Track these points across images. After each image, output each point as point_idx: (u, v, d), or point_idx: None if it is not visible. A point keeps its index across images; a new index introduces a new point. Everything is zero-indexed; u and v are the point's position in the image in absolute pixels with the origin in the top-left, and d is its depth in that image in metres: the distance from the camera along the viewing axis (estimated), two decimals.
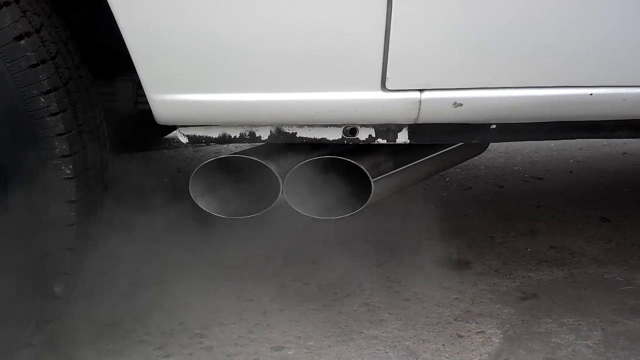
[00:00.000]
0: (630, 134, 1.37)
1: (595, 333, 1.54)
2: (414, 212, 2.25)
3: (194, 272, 1.78)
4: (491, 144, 2.20)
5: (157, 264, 1.81)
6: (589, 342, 1.51)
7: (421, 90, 1.19)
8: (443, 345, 1.50)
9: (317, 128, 1.26)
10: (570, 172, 2.68)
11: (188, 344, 1.50)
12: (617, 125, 1.34)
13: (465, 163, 2.62)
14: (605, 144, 2.99)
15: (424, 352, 1.47)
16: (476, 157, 2.57)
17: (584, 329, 1.56)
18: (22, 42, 1.09)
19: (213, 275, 1.78)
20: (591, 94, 1.22)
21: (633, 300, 1.68)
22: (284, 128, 1.26)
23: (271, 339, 1.52)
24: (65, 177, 1.13)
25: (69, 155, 1.13)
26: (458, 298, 1.70)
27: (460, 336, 1.53)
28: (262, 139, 1.27)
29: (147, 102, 1.19)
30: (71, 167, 1.14)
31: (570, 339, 1.52)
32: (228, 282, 1.76)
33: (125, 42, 1.11)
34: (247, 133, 1.26)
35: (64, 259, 1.18)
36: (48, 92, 1.11)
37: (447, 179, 2.58)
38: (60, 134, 1.12)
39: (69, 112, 1.14)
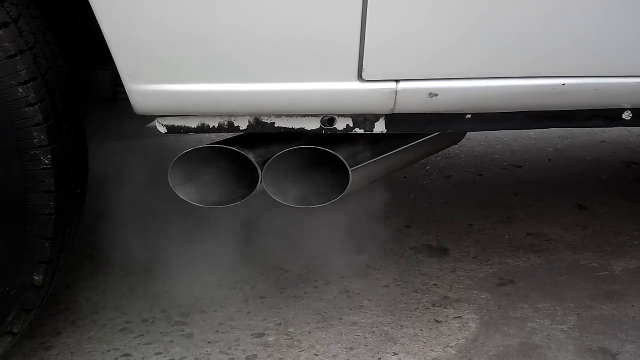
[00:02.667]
0: (602, 123, 1.40)
1: (570, 318, 1.58)
2: (394, 199, 2.27)
3: (174, 260, 1.79)
4: (470, 133, 2.23)
5: (138, 253, 1.82)
6: (563, 327, 1.54)
7: (397, 81, 1.20)
8: (421, 330, 1.52)
9: (295, 118, 1.27)
10: (549, 160, 2.71)
11: (169, 331, 1.52)
12: (589, 115, 1.36)
13: (445, 151, 2.65)
14: (583, 132, 3.02)
15: (402, 337, 1.50)
16: (456, 146, 2.60)
17: (559, 313, 1.59)
18: (0, 32, 1.09)
19: (194, 263, 1.79)
20: (564, 84, 1.25)
21: (607, 285, 1.72)
22: (263, 118, 1.27)
23: (252, 325, 1.54)
24: (44, 167, 1.14)
25: (47, 145, 1.13)
26: (436, 284, 1.72)
27: (437, 321, 1.56)
28: (240, 128, 1.28)
29: (125, 92, 1.19)
30: (50, 157, 1.14)
31: (545, 323, 1.55)
32: (209, 269, 1.78)
33: (103, 32, 1.12)
34: (226, 123, 1.27)
35: (43, 248, 1.18)
36: (26, 82, 1.11)
37: (428, 167, 2.60)
38: (39, 124, 1.13)
39: (47, 102, 1.14)
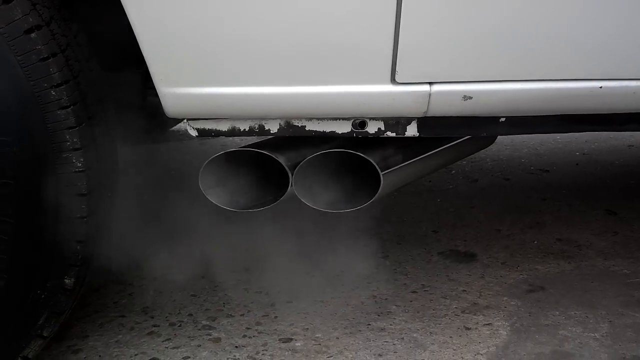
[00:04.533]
0: (639, 127, 1.37)
1: (603, 325, 1.55)
2: (420, 204, 2.25)
3: (201, 264, 1.79)
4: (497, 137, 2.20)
5: (164, 257, 1.81)
6: (596, 335, 1.51)
7: (431, 83, 1.18)
8: (450, 337, 1.50)
9: (326, 121, 1.26)
10: (577, 164, 2.68)
11: (196, 335, 1.51)
12: (626, 118, 1.33)
13: (471, 155, 2.62)
14: (611, 136, 2.98)
15: (432, 344, 1.48)
16: (482, 150, 2.57)
17: (591, 321, 1.56)
18: (33, 35, 1.09)
19: (220, 267, 1.79)
20: (601, 87, 1.22)
21: None
22: (293, 121, 1.26)
23: (279, 330, 1.53)
24: (77, 170, 1.14)
25: (79, 149, 1.13)
26: (465, 290, 1.70)
27: (467, 328, 1.53)
28: (271, 132, 1.27)
29: (156, 95, 1.19)
30: (82, 160, 1.14)
31: (577, 331, 1.53)
32: (235, 273, 1.77)
33: (136, 35, 1.11)
34: (257, 126, 1.26)
35: (75, 251, 1.18)
36: (59, 85, 1.11)
37: (453, 171, 2.58)
38: (71, 127, 1.12)
39: (79, 105, 1.14)
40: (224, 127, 1.25)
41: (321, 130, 1.27)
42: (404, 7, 1.11)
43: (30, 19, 1.10)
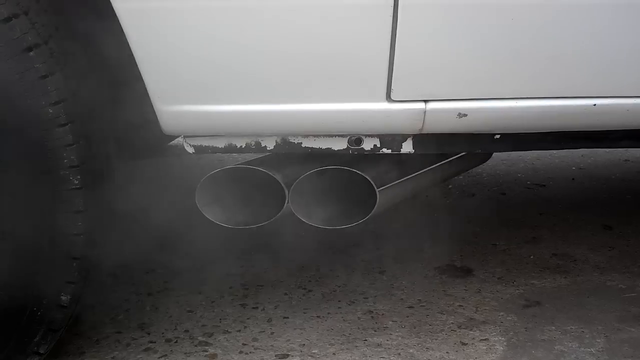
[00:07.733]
0: (633, 144, 1.38)
1: (599, 340, 1.55)
2: (417, 218, 2.25)
3: (197, 280, 1.79)
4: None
5: (161, 272, 1.82)
6: (592, 350, 1.51)
7: (426, 101, 1.20)
8: (447, 352, 1.50)
9: (322, 138, 1.27)
10: (573, 179, 2.69)
11: (192, 351, 1.51)
12: (620, 135, 1.35)
13: (468, 171, 2.63)
14: (607, 151, 2.99)
15: (428, 359, 1.48)
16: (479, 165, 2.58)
17: (587, 336, 1.56)
18: (31, 53, 1.10)
19: (217, 283, 1.79)
20: (595, 105, 1.23)
21: (636, 307, 1.69)
22: (290, 138, 1.27)
23: (275, 346, 1.53)
24: (74, 187, 1.14)
25: (77, 166, 1.14)
26: (462, 305, 1.70)
27: (464, 344, 1.53)
28: (267, 149, 1.28)
29: (153, 112, 1.20)
30: (79, 177, 1.14)
31: (573, 346, 1.53)
32: (232, 289, 1.77)
33: (133, 53, 1.12)
34: (253, 143, 1.27)
35: (71, 268, 1.18)
36: (57, 103, 1.12)
37: (450, 185, 2.59)
38: (69, 145, 1.13)
39: (77, 122, 1.15)
40: (220, 144, 1.26)
41: (317, 147, 1.28)
42: (400, 27, 1.12)
43: (29, 37, 1.10)
